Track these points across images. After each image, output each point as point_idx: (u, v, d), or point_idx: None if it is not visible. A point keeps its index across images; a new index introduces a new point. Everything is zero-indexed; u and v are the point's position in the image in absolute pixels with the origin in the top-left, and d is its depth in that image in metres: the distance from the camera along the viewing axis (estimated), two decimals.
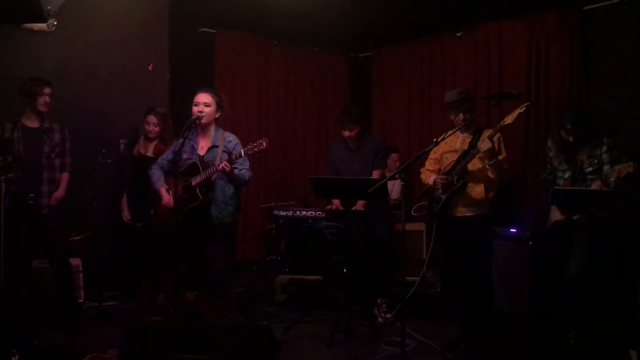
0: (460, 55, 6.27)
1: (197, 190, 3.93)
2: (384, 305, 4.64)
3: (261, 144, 3.82)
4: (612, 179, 3.72)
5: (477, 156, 3.94)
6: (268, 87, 6.89)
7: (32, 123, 4.27)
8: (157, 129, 4.81)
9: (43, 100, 4.24)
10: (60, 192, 4.36)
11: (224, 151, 4.05)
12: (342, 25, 6.22)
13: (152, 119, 4.81)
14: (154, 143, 4.82)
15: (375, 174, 4.82)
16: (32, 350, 3.72)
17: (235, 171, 3.95)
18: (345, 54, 7.50)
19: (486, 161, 3.89)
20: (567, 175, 4.08)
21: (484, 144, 3.85)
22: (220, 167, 3.83)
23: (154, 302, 4.85)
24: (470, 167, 4.00)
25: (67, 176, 4.43)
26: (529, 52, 5.58)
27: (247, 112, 6.66)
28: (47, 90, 4.25)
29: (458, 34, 6.26)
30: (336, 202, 4.93)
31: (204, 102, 4.03)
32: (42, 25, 4.83)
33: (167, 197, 4.08)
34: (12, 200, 4.11)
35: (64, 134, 4.42)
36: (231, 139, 4.13)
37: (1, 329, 3.75)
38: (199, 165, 3.97)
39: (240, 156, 3.88)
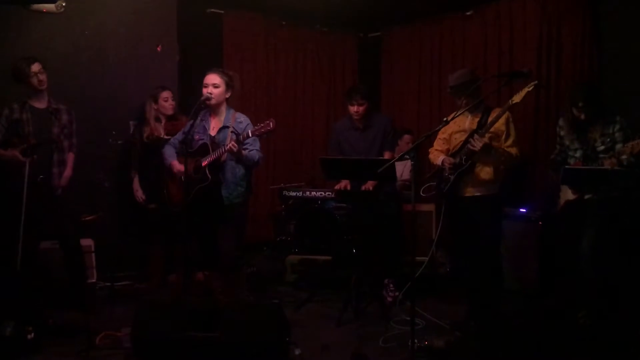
0: (470, 34, 6.21)
1: (207, 171, 3.96)
2: (391, 285, 4.66)
3: (268, 124, 3.82)
4: (625, 157, 3.68)
5: (487, 136, 3.93)
6: (277, 68, 6.86)
7: (40, 104, 4.21)
8: (174, 103, 4.83)
9: (36, 80, 4.11)
10: (69, 172, 4.35)
11: (232, 132, 4.06)
12: (351, 5, 6.16)
13: (168, 93, 4.83)
14: (163, 123, 4.84)
15: (387, 155, 4.76)
16: (47, 329, 3.79)
17: (244, 152, 3.97)
18: (354, 34, 7.44)
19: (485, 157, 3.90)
20: (578, 154, 4.05)
21: (477, 142, 3.85)
22: (228, 147, 3.85)
23: (165, 282, 4.90)
24: None
25: (73, 156, 4.42)
26: (540, 30, 5.51)
27: (256, 92, 6.65)
28: (35, 67, 4.10)
29: (468, 13, 6.19)
30: (345, 182, 4.92)
31: (212, 84, 4.04)
32: (50, 7, 4.84)
33: (178, 166, 4.08)
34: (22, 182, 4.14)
35: (71, 115, 4.40)
36: (242, 119, 4.14)
37: (17, 308, 3.82)
38: (209, 146, 3.99)
39: (248, 136, 3.90)
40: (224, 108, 4.15)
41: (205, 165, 3.97)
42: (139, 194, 4.87)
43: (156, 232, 4.82)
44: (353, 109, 4.77)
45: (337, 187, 4.95)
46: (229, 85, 4.11)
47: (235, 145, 3.84)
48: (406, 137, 6.05)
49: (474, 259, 4.11)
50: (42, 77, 4.16)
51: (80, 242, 4.48)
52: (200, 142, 4.08)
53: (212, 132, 4.12)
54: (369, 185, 4.71)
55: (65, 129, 4.33)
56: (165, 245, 4.83)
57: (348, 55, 7.44)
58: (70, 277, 4.36)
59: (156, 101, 4.83)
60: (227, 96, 4.12)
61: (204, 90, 4.03)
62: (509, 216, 4.99)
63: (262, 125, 3.84)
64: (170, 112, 4.84)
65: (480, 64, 5.97)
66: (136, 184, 4.90)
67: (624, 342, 3.68)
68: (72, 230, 4.39)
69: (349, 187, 4.83)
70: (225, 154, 3.95)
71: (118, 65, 5.31)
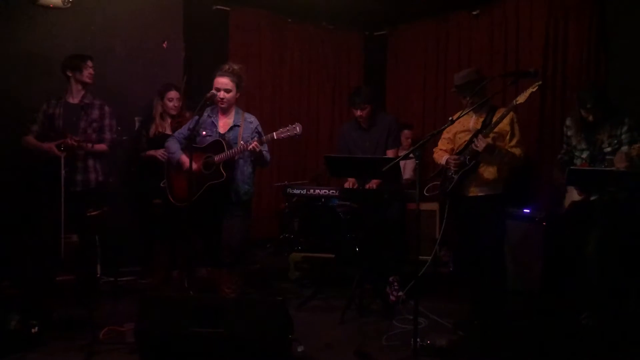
0: (476, 33, 6.21)
1: (221, 168, 3.96)
2: (395, 284, 4.67)
3: (295, 128, 3.84)
4: (632, 157, 3.66)
5: (491, 136, 3.92)
6: (282, 65, 6.87)
7: (74, 99, 4.37)
8: (179, 104, 4.84)
9: (88, 72, 4.36)
10: (96, 145, 4.35)
11: (256, 132, 4.09)
12: (357, 3, 6.17)
13: (175, 94, 4.83)
14: (169, 121, 4.84)
15: (390, 153, 4.78)
16: (51, 323, 3.80)
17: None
18: (360, 32, 7.44)
19: (487, 158, 3.89)
20: (585, 155, 4.04)
21: (480, 142, 3.83)
22: (251, 146, 3.86)
23: (169, 278, 4.91)
24: None
25: (104, 146, 4.45)
26: (547, 30, 5.51)
27: (261, 90, 6.66)
28: (90, 63, 4.40)
29: (474, 12, 6.20)
30: (352, 180, 4.92)
31: (224, 88, 4.04)
32: (57, 2, 4.87)
33: (185, 159, 4.05)
34: (48, 176, 4.18)
35: (104, 110, 4.47)
36: (252, 119, 4.18)
37: (22, 301, 3.84)
38: (224, 143, 3.99)
39: (273, 138, 3.91)
40: (233, 108, 4.18)
41: (219, 162, 3.97)
42: (160, 152, 4.72)
43: (160, 227, 4.82)
44: (357, 112, 4.80)
45: (346, 185, 4.96)
46: (239, 87, 4.12)
47: (258, 145, 3.86)
48: (406, 132, 6.05)
49: (477, 259, 4.11)
50: (92, 72, 4.43)
51: (95, 237, 4.52)
52: (210, 138, 4.09)
53: (222, 130, 4.13)
54: (373, 183, 4.72)
55: (94, 123, 4.40)
56: (170, 241, 4.83)
57: (354, 53, 7.44)
58: (80, 271, 4.39)
59: (162, 99, 4.84)
60: (237, 97, 4.14)
61: (215, 93, 4.03)
62: (513, 216, 4.98)
63: (288, 128, 3.85)
64: (172, 112, 4.84)
65: (486, 63, 5.96)
66: (152, 152, 4.81)
67: (627, 343, 3.67)
68: (92, 225, 4.42)
69: (356, 185, 4.83)
70: (243, 152, 3.96)
71: (124, 60, 5.32)
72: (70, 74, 4.33)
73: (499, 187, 4.08)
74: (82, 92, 4.39)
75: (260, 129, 4.16)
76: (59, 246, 4.13)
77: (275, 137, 3.91)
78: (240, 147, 3.94)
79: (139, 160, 4.94)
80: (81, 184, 4.33)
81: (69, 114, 4.31)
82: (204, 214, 4.07)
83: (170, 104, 4.83)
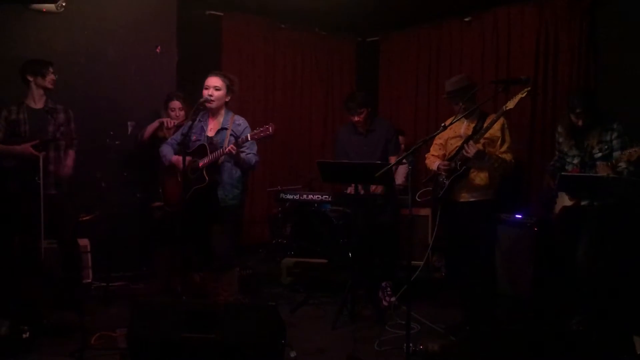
0: (468, 40, 6.25)
1: (204, 172, 3.96)
2: (388, 289, 4.68)
3: (267, 129, 3.83)
4: (622, 163, 3.70)
5: (482, 142, 3.94)
6: (275, 71, 6.89)
7: (37, 104, 4.28)
8: (182, 113, 4.83)
9: (50, 78, 4.27)
10: (70, 161, 4.35)
11: (231, 134, 4.07)
12: (350, 9, 6.19)
13: (176, 104, 4.83)
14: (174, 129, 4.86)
15: (393, 159, 4.74)
16: (42, 328, 3.78)
17: (242, 155, 3.98)
18: (353, 38, 7.48)
19: (478, 164, 3.91)
20: (576, 160, 4.06)
21: (471, 149, 3.86)
22: (227, 149, 3.86)
23: (169, 286, 4.87)
24: None
25: (73, 153, 4.42)
26: (538, 37, 5.55)
27: (254, 95, 6.67)
28: (51, 69, 4.29)
29: (466, 19, 6.24)
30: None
31: (214, 86, 4.04)
32: (50, 6, 4.86)
33: (177, 159, 4.05)
34: (21, 181, 4.16)
35: (68, 114, 4.42)
36: (240, 122, 4.15)
37: (13, 307, 3.82)
38: (207, 147, 4.00)
39: (247, 140, 3.91)
40: (223, 110, 4.16)
41: (202, 166, 3.97)
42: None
43: (162, 233, 4.79)
44: (354, 119, 4.82)
45: (348, 191, 4.95)
46: (229, 89, 4.12)
47: (234, 148, 3.85)
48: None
49: (468, 264, 4.13)
50: (54, 78, 4.30)
51: (77, 242, 4.48)
52: (198, 142, 4.09)
53: (210, 133, 4.13)
54: (378, 188, 4.71)
55: (61, 127, 4.35)
56: (170, 246, 4.79)
57: (346, 58, 7.47)
58: (66, 276, 4.36)
59: (166, 109, 4.87)
60: (227, 99, 4.13)
61: (205, 92, 4.03)
62: (505, 221, 5.01)
63: (261, 129, 3.85)
64: (176, 121, 4.83)
65: (478, 70, 6.01)
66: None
67: (617, 348, 3.69)
68: (69, 230, 4.39)
69: (362, 191, 4.77)
70: (222, 156, 3.96)
71: (117, 65, 5.31)
72: (31, 79, 4.23)
73: (490, 193, 4.11)
74: (44, 97, 4.30)
75: (247, 132, 4.07)
76: (40, 250, 4.11)
77: (249, 139, 3.91)
78: (220, 151, 3.94)
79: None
80: (54, 187, 4.27)
81: (35, 119, 4.23)
82: (194, 219, 4.06)
83: (172, 114, 4.84)
